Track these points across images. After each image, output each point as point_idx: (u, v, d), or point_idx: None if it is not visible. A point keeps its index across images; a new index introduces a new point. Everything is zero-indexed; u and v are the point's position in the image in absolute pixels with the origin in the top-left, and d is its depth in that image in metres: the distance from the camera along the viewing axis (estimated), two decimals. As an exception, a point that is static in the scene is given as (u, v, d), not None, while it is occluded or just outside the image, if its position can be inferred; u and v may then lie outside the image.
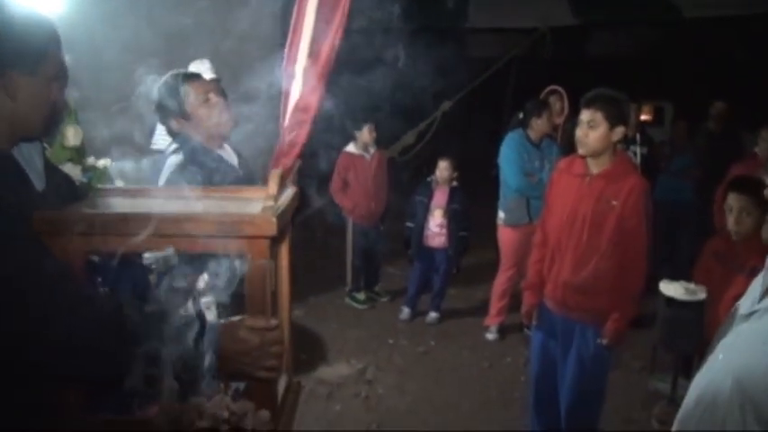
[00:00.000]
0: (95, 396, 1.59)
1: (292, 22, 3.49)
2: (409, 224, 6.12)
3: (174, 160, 2.60)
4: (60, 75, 1.61)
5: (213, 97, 2.67)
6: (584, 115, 3.30)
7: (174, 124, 2.65)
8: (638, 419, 4.41)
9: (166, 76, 2.69)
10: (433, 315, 6.18)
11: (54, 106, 1.62)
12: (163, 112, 2.65)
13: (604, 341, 3.35)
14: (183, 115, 2.63)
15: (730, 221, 3.43)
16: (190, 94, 2.62)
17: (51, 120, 1.65)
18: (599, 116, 3.25)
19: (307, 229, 6.14)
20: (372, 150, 6.33)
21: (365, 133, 6.18)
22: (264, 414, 1.54)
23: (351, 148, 6.27)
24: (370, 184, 6.25)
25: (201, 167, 2.49)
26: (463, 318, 6.28)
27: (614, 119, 3.25)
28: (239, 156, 2.84)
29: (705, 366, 1.68)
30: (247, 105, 2.78)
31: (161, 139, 4.49)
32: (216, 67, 4.63)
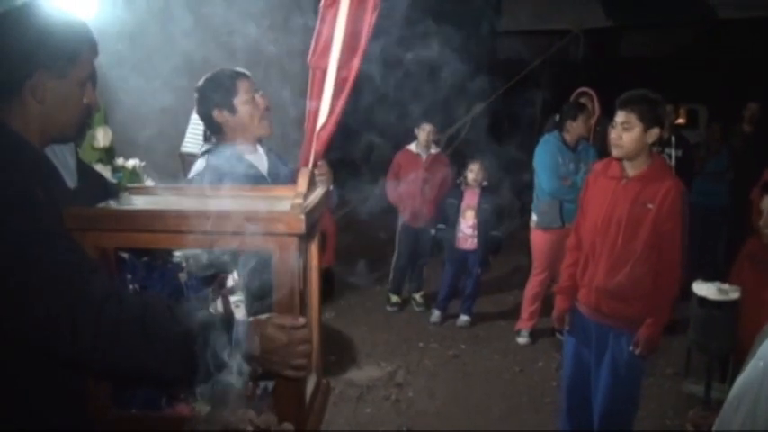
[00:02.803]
0: (125, 391, 1.60)
1: (316, 28, 3.50)
2: (441, 226, 6.10)
3: (198, 166, 2.62)
4: (93, 78, 1.63)
5: (259, 98, 2.69)
6: (619, 117, 3.25)
7: (216, 115, 2.66)
8: (672, 426, 4.34)
9: (217, 71, 2.73)
10: (463, 318, 6.15)
11: (87, 109, 1.63)
12: (208, 102, 2.67)
13: (638, 350, 3.30)
14: (230, 108, 2.65)
15: (762, 223, 3.37)
16: (239, 90, 2.65)
17: (84, 122, 1.67)
18: (633, 118, 3.21)
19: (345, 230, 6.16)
20: (432, 152, 6.35)
21: (420, 133, 6.21)
22: (288, 427, 1.53)
23: (412, 146, 6.32)
24: (419, 184, 6.24)
25: (224, 175, 2.49)
26: (494, 321, 6.24)
27: (649, 120, 3.20)
28: (270, 160, 2.83)
29: (745, 372, 1.66)
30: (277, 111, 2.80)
31: (191, 141, 4.53)
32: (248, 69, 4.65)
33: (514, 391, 4.91)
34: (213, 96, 2.65)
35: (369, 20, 3.31)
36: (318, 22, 3.39)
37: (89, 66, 1.60)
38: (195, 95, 2.71)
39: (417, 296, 6.59)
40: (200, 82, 2.71)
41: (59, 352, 1.42)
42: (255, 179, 2.61)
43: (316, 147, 3.15)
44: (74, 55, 1.55)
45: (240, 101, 2.65)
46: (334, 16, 3.35)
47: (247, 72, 2.72)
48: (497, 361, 5.44)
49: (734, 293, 2.70)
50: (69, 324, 1.37)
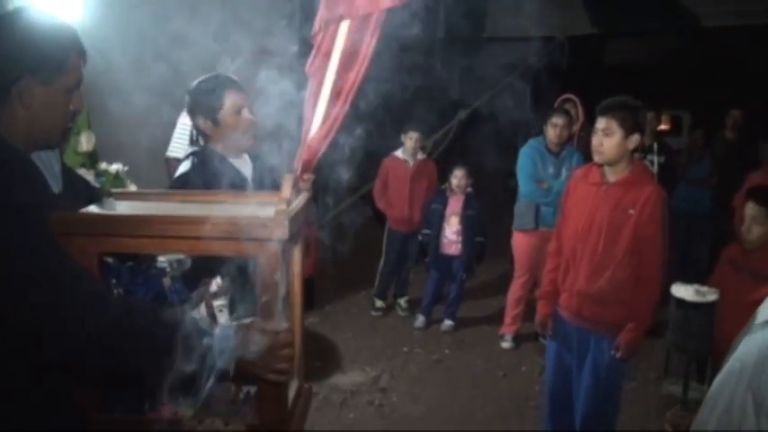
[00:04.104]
0: (108, 394, 1.61)
1: (317, 40, 3.50)
2: (426, 231, 6.13)
3: (183, 167, 2.63)
4: (80, 84, 1.63)
5: (246, 113, 2.68)
6: (600, 123, 3.29)
7: (201, 123, 2.68)
8: (653, 429, 4.37)
9: (211, 76, 2.72)
10: (447, 323, 6.17)
11: (73, 116, 1.64)
12: (195, 107, 2.67)
13: (619, 354, 3.33)
14: (213, 120, 2.65)
15: (744, 229, 3.41)
16: (226, 104, 2.64)
17: (68, 127, 1.67)
18: (614, 124, 3.24)
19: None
20: (418, 158, 6.39)
21: (407, 140, 6.25)
22: None
23: (398, 152, 6.36)
24: (406, 190, 6.30)
25: (207, 177, 2.50)
26: (478, 326, 6.26)
27: (629, 126, 3.24)
28: (255, 164, 2.84)
29: (722, 373, 1.69)
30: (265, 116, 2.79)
31: (177, 146, 4.52)
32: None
33: (498, 396, 4.93)
34: (200, 104, 2.66)
35: (369, 40, 3.31)
36: (319, 33, 3.38)
37: (77, 73, 1.60)
38: (186, 97, 2.72)
39: (402, 301, 6.61)
40: (194, 84, 2.71)
41: (45, 353, 1.43)
42: (239, 183, 2.62)
43: (305, 155, 3.16)
44: (61, 62, 1.55)
45: (225, 114, 2.64)
46: (335, 31, 3.37)
47: (239, 82, 2.71)
48: (481, 366, 5.46)
49: (711, 295, 2.77)
50: (55, 326, 1.38)
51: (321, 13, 3.52)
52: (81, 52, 1.61)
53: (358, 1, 3.32)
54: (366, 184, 6.83)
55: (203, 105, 2.65)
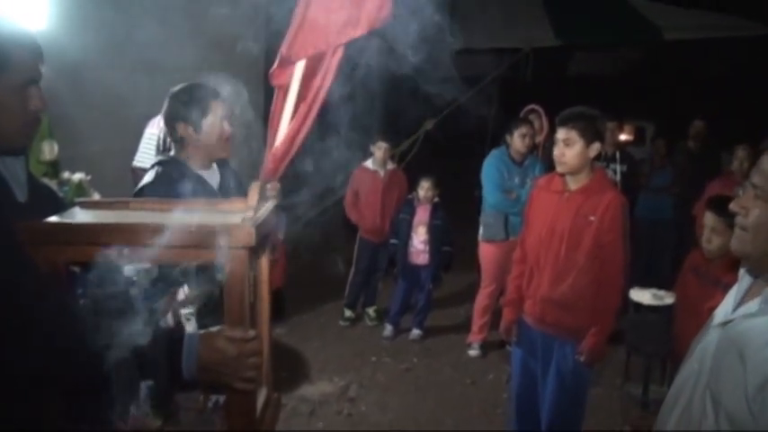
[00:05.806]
0: (76, 407, 1.60)
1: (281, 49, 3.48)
2: (394, 241, 6.16)
3: (147, 178, 2.60)
4: (36, 81, 1.56)
5: (227, 125, 2.68)
6: (560, 134, 3.35)
7: (181, 128, 2.65)
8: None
9: (197, 83, 2.70)
10: (416, 332, 6.19)
11: (34, 115, 1.58)
12: (177, 112, 2.65)
13: (582, 357, 3.38)
14: (196, 126, 2.63)
15: (702, 239, 3.48)
16: (211, 112, 2.64)
17: (29, 129, 1.61)
18: (574, 134, 3.30)
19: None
20: (388, 168, 6.41)
21: (377, 151, 6.26)
22: None
23: (368, 163, 6.36)
24: (378, 200, 6.32)
25: (171, 188, 2.46)
26: (446, 335, 6.29)
27: (590, 136, 3.30)
28: (223, 175, 2.82)
29: (680, 373, 1.74)
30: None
31: (144, 156, 4.50)
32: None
33: (466, 403, 4.96)
34: (184, 109, 2.63)
35: (334, 54, 3.30)
36: (285, 44, 3.35)
37: (27, 70, 1.53)
38: (167, 100, 2.68)
39: (370, 311, 6.61)
40: (176, 88, 2.69)
41: (12, 363, 1.42)
42: (205, 194, 2.58)
43: (269, 164, 3.14)
44: (2, 59, 1.48)
45: (208, 122, 2.64)
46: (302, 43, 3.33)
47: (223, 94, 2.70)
48: (449, 374, 5.49)
49: (668, 299, 2.85)
50: (22, 335, 1.37)
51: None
52: (30, 48, 1.54)
53: (326, 35, 3.33)
54: (335, 193, 6.83)
55: (188, 110, 2.62)
